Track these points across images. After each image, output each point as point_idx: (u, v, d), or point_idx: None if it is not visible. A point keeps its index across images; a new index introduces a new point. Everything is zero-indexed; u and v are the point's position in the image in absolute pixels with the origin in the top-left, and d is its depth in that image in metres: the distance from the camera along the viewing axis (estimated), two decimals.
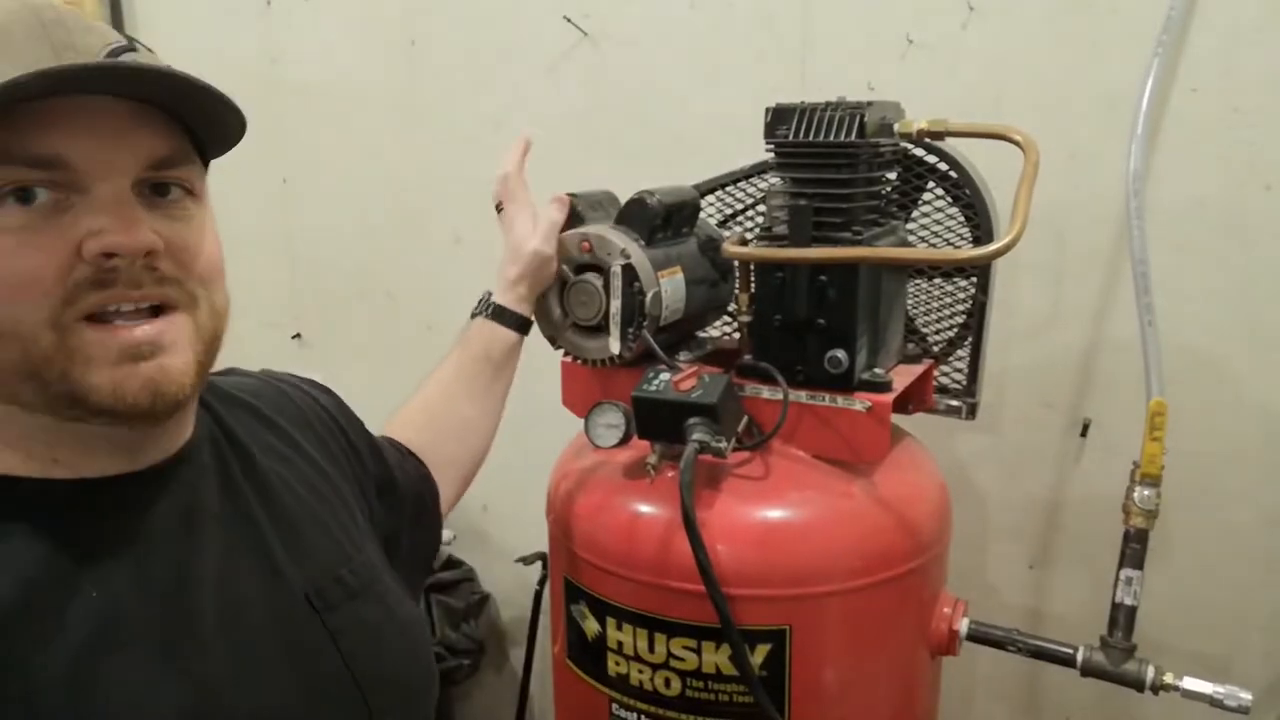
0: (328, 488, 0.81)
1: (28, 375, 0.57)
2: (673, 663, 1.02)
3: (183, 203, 0.63)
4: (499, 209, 1.11)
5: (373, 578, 0.78)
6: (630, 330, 1.07)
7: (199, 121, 0.63)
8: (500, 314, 1.08)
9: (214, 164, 0.68)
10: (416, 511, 0.97)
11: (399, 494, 0.93)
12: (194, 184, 0.64)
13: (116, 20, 2.09)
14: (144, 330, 0.58)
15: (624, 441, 1.05)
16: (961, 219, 1.17)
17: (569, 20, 1.66)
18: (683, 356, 1.16)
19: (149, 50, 0.65)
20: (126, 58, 0.59)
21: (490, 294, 1.10)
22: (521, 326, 1.09)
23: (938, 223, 1.20)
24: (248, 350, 2.19)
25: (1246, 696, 1.04)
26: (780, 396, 1.05)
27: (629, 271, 1.06)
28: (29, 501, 0.60)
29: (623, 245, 1.07)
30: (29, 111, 0.55)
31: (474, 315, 1.09)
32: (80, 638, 0.58)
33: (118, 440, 0.62)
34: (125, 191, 0.58)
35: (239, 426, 0.77)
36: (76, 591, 0.59)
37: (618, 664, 1.07)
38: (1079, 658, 1.13)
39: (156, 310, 0.60)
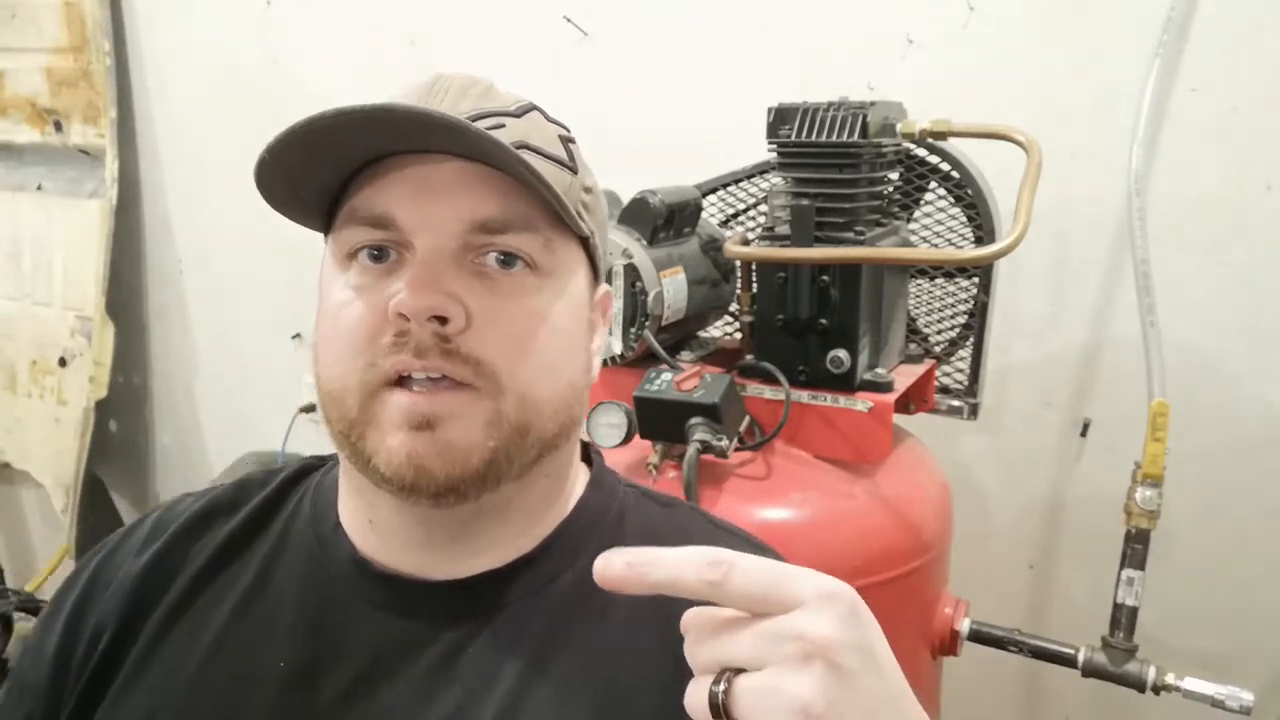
0: None
1: (343, 435, 0.55)
2: None
3: (519, 277, 0.55)
4: None
5: None
6: (632, 330, 1.07)
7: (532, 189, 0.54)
8: None
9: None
10: None
11: None
12: (535, 256, 0.56)
13: (117, 20, 2.08)
14: (428, 400, 0.53)
15: (625, 441, 1.05)
16: (964, 219, 1.17)
17: (569, 20, 1.66)
18: (684, 356, 1.16)
19: (553, 123, 0.63)
20: (481, 124, 0.54)
21: None
22: None
23: (940, 223, 1.20)
24: (247, 350, 2.20)
25: (1248, 697, 1.04)
26: (782, 397, 1.05)
27: (631, 271, 1.06)
28: (333, 564, 0.60)
29: (625, 245, 1.07)
30: (371, 174, 0.55)
31: None
32: (257, 697, 0.57)
33: (407, 524, 0.58)
34: (438, 251, 0.53)
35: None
36: (282, 657, 0.58)
37: None
38: (1080, 658, 1.13)
39: (452, 385, 0.54)
